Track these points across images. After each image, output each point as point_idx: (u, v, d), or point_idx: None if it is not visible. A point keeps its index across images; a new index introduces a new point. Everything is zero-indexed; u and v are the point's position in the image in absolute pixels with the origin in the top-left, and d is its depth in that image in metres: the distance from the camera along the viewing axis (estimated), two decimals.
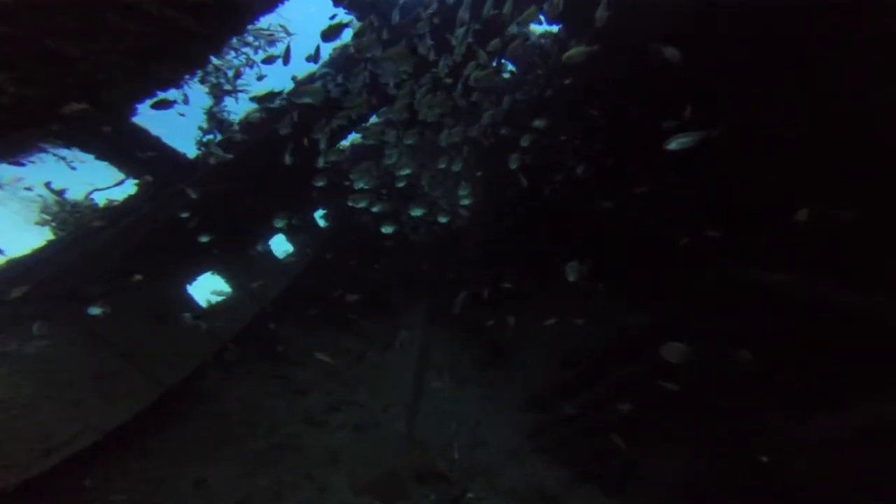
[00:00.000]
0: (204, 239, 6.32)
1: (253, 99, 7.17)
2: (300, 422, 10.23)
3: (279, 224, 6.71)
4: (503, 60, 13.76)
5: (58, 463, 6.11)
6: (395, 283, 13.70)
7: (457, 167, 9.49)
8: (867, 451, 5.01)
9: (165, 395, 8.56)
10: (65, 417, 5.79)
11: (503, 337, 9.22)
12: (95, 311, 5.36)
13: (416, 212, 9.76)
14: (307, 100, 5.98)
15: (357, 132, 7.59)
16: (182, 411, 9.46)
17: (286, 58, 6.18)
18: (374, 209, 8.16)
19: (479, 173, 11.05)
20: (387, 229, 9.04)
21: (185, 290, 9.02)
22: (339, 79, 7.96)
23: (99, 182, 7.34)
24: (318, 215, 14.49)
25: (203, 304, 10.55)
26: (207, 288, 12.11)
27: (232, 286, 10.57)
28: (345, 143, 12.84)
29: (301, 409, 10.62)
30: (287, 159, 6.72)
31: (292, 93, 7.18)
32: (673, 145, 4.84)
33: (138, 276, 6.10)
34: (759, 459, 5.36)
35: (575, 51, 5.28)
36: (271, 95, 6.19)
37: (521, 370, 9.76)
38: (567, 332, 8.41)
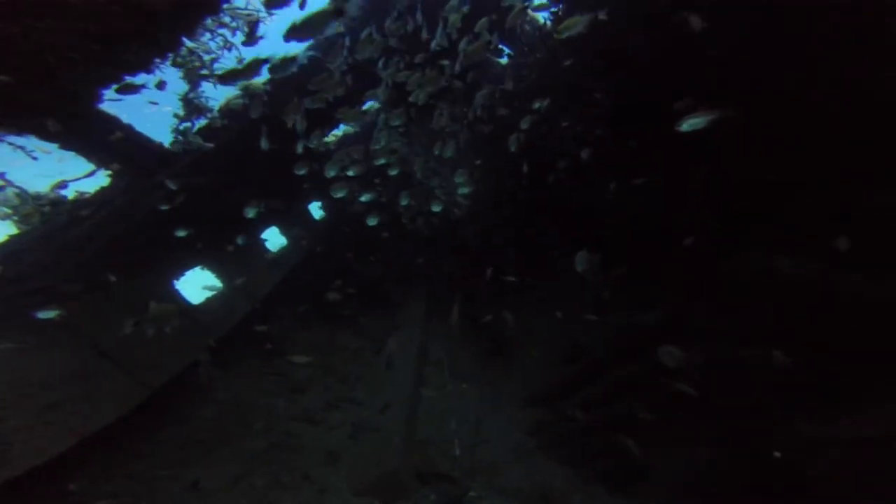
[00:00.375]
0: (181, 233, 5.94)
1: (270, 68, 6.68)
2: (298, 420, 9.99)
3: (251, 214, 6.27)
4: (500, 46, 13.23)
5: (38, 466, 5.82)
6: (393, 276, 13.36)
7: (450, 153, 9.06)
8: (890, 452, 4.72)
9: (155, 396, 8.28)
10: (40, 421, 5.50)
11: (504, 332, 8.90)
12: (48, 314, 5.00)
13: (405, 201, 9.32)
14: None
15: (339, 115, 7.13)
16: (174, 411, 9.20)
17: (251, 37, 5.71)
18: (363, 199, 7.73)
19: (477, 161, 10.62)
20: (372, 221, 8.66)
21: (171, 286, 8.66)
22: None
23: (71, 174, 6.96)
24: (314, 207, 14.10)
25: (195, 300, 10.23)
26: (200, 283, 11.79)
27: (222, 281, 10.22)
28: (336, 131, 12.38)
29: (299, 408, 10.37)
30: (263, 144, 6.28)
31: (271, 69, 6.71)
32: (685, 127, 4.43)
33: (112, 278, 5.74)
34: (772, 456, 5.08)
35: (573, 20, 4.83)
36: (286, 62, 5.64)
37: (523, 366, 9.47)
38: (571, 327, 8.09)
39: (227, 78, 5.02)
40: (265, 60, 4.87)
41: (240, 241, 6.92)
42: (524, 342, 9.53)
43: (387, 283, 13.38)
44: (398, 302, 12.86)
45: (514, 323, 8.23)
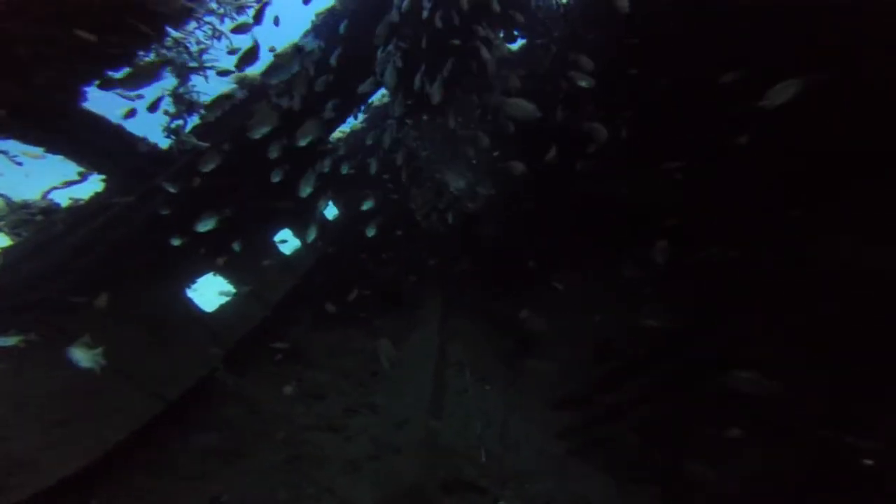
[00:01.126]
0: (176, 242, 5.61)
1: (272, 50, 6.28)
2: (318, 428, 9.70)
3: (202, 229, 5.71)
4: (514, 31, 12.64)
5: (53, 485, 5.59)
6: (408, 275, 12.97)
7: (467, 148, 8.57)
8: None
9: (172, 407, 8.06)
10: (48, 440, 5.27)
11: (529, 330, 8.40)
12: (10, 341, 4.69)
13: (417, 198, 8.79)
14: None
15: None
16: (193, 422, 9.00)
17: (258, 17, 5.30)
18: (364, 206, 7.23)
19: (495, 153, 10.09)
20: (370, 231, 8.26)
21: (183, 294, 8.41)
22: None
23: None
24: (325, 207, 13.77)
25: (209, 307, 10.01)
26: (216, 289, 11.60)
27: (235, 287, 9.96)
28: (345, 127, 12.00)
29: (318, 415, 10.09)
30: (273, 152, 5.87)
31: (265, 72, 6.32)
32: (775, 99, 3.79)
33: (102, 299, 5.42)
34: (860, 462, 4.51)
35: None
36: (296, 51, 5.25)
37: (552, 364, 8.96)
38: (601, 324, 7.55)
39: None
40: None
41: (236, 247, 6.54)
42: (551, 340, 9.02)
43: (402, 283, 13.00)
44: (414, 302, 12.47)
45: (541, 320, 7.74)
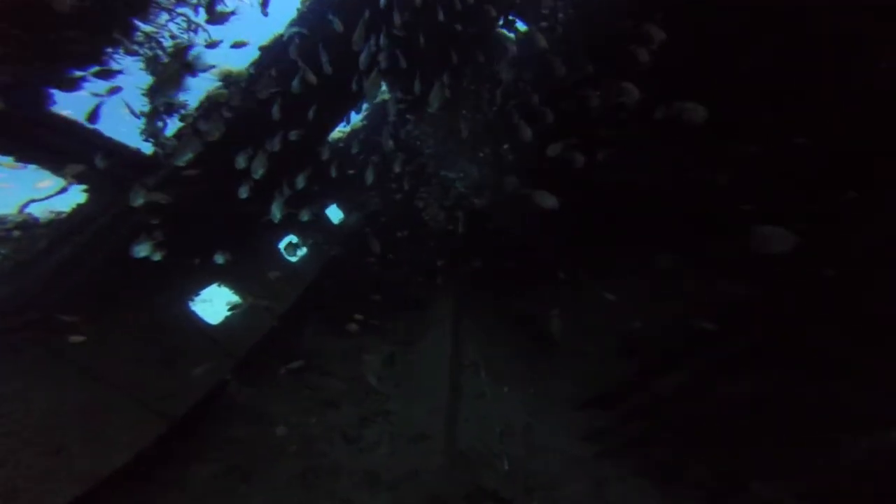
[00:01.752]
0: (156, 257, 5.24)
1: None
2: (333, 439, 9.33)
3: (139, 254, 5.23)
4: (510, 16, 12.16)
5: None
6: (418, 276, 12.55)
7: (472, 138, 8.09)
8: None
9: (181, 422, 7.77)
10: (43, 468, 4.98)
11: (548, 326, 7.87)
12: None
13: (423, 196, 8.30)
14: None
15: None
16: (204, 437, 8.72)
17: (212, 14, 4.91)
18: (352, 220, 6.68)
19: (505, 144, 9.59)
20: (376, 247, 7.88)
21: (186, 307, 8.14)
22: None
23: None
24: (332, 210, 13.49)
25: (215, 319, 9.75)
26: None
27: (241, 297, 9.68)
28: (345, 126, 11.65)
29: (333, 425, 9.72)
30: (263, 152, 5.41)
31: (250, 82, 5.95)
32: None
33: (78, 337, 5.07)
34: None
35: None
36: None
37: (572, 363, 8.42)
38: (625, 318, 6.99)
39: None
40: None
41: (219, 259, 6.13)
42: (572, 336, 8.47)
43: (412, 285, 12.59)
44: (425, 303, 12.04)
45: (561, 316, 7.20)
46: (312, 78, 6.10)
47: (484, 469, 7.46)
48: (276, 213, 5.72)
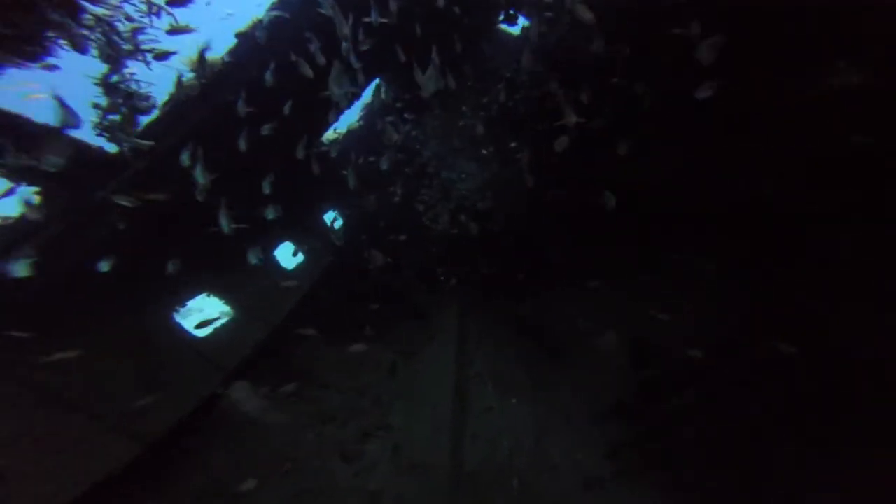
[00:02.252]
0: (104, 267, 4.69)
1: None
2: (331, 456, 8.72)
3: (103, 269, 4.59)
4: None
5: None
6: (420, 282, 12.00)
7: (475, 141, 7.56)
8: None
9: (166, 439, 7.21)
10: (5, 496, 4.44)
11: (558, 332, 7.27)
12: None
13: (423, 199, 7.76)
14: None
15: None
16: (191, 454, 8.16)
17: None
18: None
19: (511, 143, 9.06)
20: (376, 258, 7.34)
21: (170, 319, 7.61)
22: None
23: None
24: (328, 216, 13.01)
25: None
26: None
27: (231, 306, 9.16)
28: (340, 127, 11.22)
29: (330, 440, 9.12)
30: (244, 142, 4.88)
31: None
32: None
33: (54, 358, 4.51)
34: None
35: None
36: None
37: (584, 372, 7.80)
38: (638, 324, 6.38)
39: None
40: None
41: (170, 266, 5.47)
42: (582, 343, 7.87)
43: (414, 291, 12.03)
44: (428, 310, 11.47)
45: (572, 322, 6.62)
46: (309, 71, 5.65)
47: (492, 487, 6.85)
48: (224, 225, 5.07)
